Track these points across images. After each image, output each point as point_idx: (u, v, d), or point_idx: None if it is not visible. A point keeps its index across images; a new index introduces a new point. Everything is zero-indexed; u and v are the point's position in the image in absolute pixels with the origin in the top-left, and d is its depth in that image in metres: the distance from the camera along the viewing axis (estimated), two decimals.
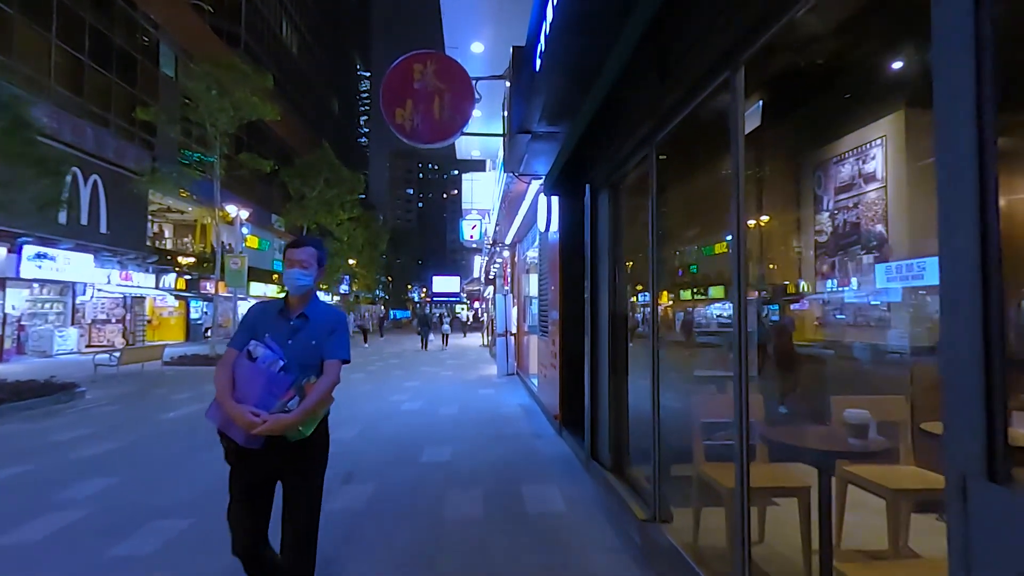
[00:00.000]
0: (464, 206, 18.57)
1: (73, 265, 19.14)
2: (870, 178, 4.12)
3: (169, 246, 30.52)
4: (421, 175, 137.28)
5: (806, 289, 4.96)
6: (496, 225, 11.99)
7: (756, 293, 5.19)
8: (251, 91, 18.16)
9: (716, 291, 6.21)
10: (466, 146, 15.21)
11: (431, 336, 23.50)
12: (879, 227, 4.02)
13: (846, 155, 4.34)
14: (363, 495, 4.57)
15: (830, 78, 3.71)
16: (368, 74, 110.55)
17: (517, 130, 5.20)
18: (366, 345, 25.42)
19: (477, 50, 12.00)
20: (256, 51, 35.76)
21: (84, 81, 20.30)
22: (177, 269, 25.36)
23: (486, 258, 24.18)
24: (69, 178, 19.12)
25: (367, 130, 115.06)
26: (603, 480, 4.57)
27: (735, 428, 2.36)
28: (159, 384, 12.05)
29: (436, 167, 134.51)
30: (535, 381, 10.12)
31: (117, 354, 13.05)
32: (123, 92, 22.09)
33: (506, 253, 14.99)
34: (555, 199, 6.73)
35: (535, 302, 11.21)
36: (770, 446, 3.03)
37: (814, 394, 4.34)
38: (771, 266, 5.21)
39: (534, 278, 12.00)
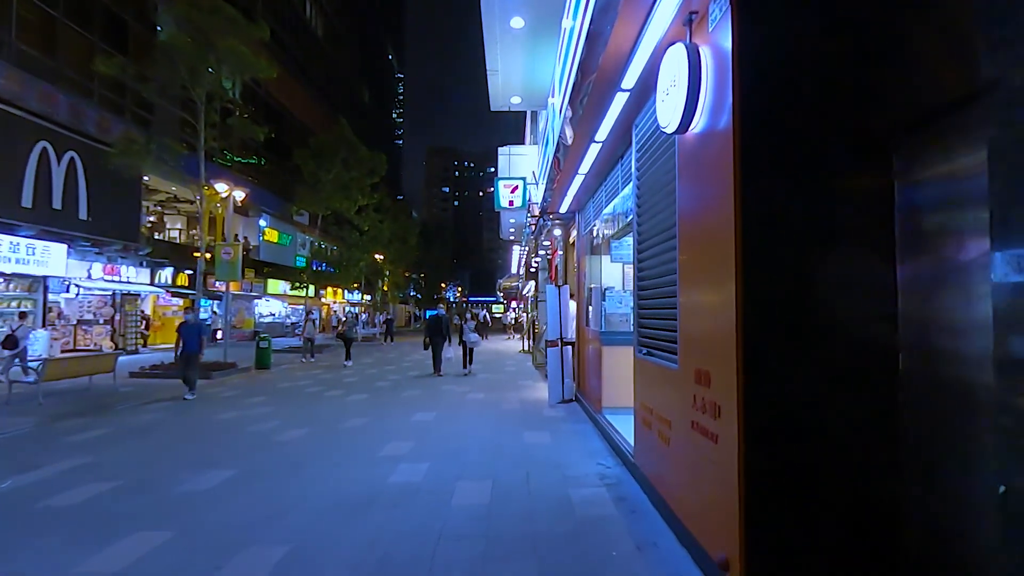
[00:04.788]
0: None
1: (41, 256, 16.20)
2: None
3: (181, 239, 27.92)
4: (458, 173, 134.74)
5: None
6: (548, 171, 8.05)
7: None
8: (241, 42, 14.74)
9: None
10: (503, 89, 11.33)
11: (449, 351, 13.75)
12: None
13: None
14: None
15: None
16: (402, 76, 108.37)
17: None
18: (348, 364, 15.97)
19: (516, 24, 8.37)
20: (274, 29, 32.83)
21: (57, 41, 17.36)
22: (178, 263, 22.37)
23: (526, 248, 20.26)
24: (36, 153, 16.42)
25: (402, 132, 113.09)
26: None
27: None
28: (82, 411, 8.61)
29: (472, 164, 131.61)
30: (618, 425, 6.13)
31: (39, 365, 9.73)
32: (110, 59, 19.11)
33: (557, 232, 11.02)
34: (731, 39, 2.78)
35: (615, 295, 7.23)
36: None
37: None
38: None
39: (606, 261, 8.03)
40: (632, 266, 7.86)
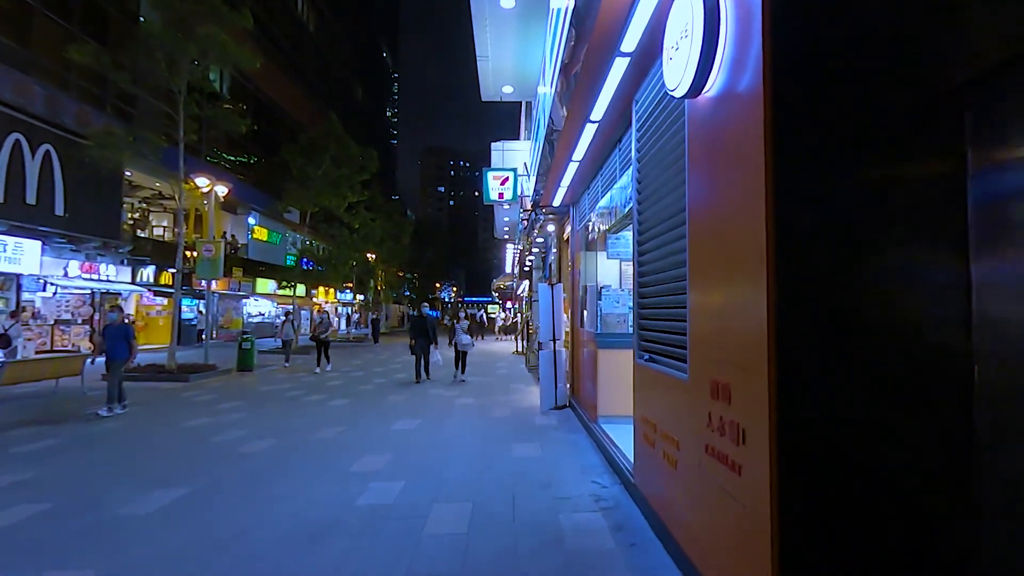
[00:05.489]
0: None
1: (13, 253, 15.52)
2: None
3: (167, 237, 27.18)
4: (453, 172, 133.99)
5: None
6: (539, 159, 7.49)
7: None
8: (224, 30, 14.09)
9: None
10: (494, 77, 10.77)
11: (435, 355, 12.06)
12: None
13: None
14: None
15: None
16: (396, 75, 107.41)
17: None
18: (324, 371, 14.63)
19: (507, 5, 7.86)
20: (263, 19, 32.16)
21: (31, 30, 16.69)
22: (156, 261, 21.65)
23: (520, 246, 19.70)
24: (8, 145, 15.73)
25: (396, 132, 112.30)
26: None
27: None
28: (38, 418, 8.00)
29: (468, 164, 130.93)
30: (616, 437, 5.59)
31: None
32: (84, 46, 18.40)
33: (550, 227, 10.46)
34: None
35: (612, 294, 6.69)
36: None
37: None
38: None
39: (601, 258, 7.49)
40: (631, 262, 7.33)
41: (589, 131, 4.97)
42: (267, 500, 4.49)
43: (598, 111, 4.49)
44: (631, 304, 6.69)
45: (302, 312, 25.08)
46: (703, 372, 2.81)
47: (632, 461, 4.53)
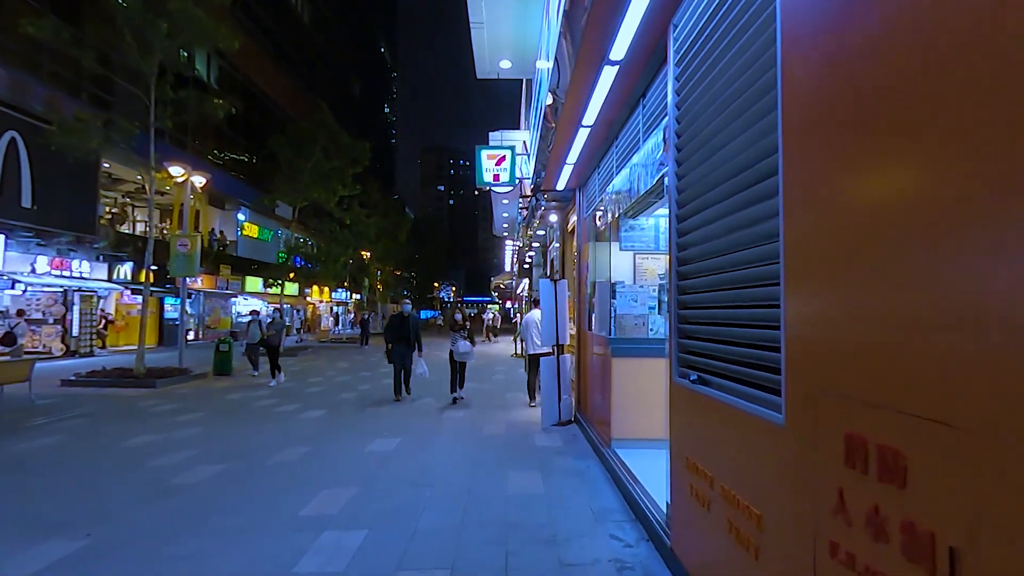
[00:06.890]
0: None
1: None
2: None
3: (153, 233, 25.99)
4: (452, 171, 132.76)
5: None
6: (540, 129, 6.37)
7: None
8: (199, 5, 12.95)
9: None
10: (490, 48, 9.63)
11: (421, 365, 9.62)
12: None
13: None
14: None
15: None
16: (395, 74, 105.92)
17: None
18: (272, 383, 11.75)
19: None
20: (254, 8, 31.03)
21: None
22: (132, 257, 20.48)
23: (519, 243, 18.58)
24: None
25: (395, 131, 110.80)
26: None
27: None
28: None
29: (467, 163, 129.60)
30: (637, 469, 4.46)
31: None
32: (48, 24, 17.21)
33: (553, 217, 9.32)
34: None
35: (627, 291, 5.56)
36: None
37: None
38: None
39: (615, 249, 6.37)
40: (654, 251, 6.18)
41: (606, 78, 3.82)
42: (175, 563, 3.35)
43: (620, 44, 3.35)
44: (652, 303, 5.56)
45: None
46: (822, 416, 1.68)
47: (664, 511, 3.39)
